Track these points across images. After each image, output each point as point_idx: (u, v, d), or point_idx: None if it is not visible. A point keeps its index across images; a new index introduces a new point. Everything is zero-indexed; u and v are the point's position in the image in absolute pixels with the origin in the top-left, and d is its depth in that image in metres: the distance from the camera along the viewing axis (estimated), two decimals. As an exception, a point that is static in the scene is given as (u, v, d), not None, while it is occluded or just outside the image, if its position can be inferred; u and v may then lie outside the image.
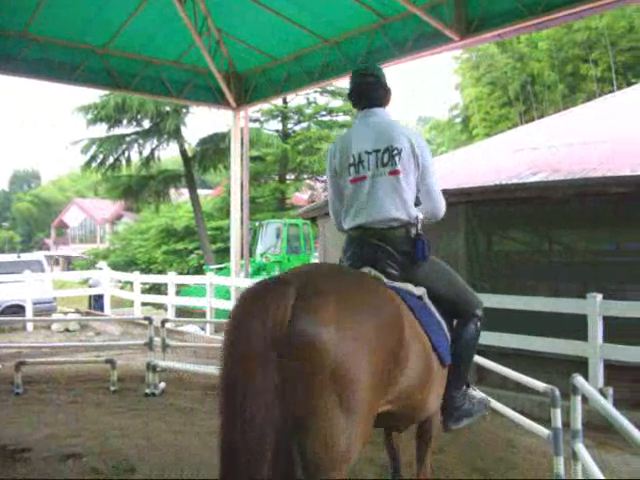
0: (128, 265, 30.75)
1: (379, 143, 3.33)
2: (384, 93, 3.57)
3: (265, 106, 27.78)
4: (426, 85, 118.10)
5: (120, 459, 5.50)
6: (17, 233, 67.88)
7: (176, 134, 26.36)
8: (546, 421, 4.92)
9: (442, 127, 36.37)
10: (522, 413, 6.03)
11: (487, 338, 8.00)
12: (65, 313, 17.55)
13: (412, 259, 3.32)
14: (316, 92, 28.37)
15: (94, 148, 26.93)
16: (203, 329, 13.98)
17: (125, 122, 26.37)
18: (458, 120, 33.95)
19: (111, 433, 6.30)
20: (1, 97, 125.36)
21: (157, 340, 9.69)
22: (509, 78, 28.43)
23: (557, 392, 4.69)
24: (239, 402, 2.33)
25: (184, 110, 25.91)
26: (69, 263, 47.86)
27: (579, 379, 4.34)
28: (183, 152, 27.23)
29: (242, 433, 2.31)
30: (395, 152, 3.30)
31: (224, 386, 2.42)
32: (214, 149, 26.09)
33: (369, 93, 3.52)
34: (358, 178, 3.35)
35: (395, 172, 3.31)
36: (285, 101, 28.58)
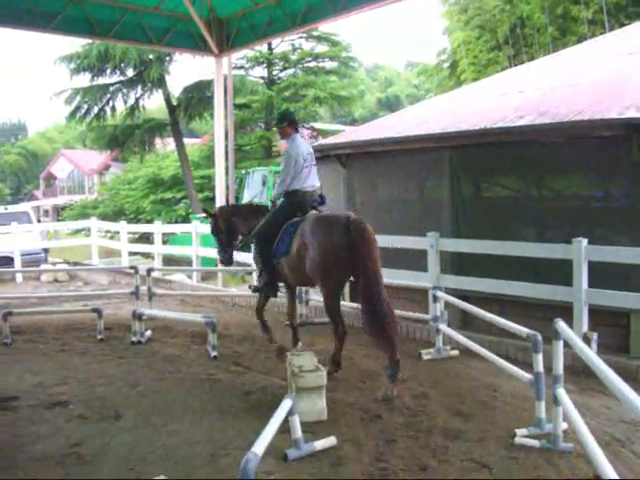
0: (117, 215, 30.53)
1: (308, 150, 6.93)
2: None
3: (250, 53, 27.29)
4: (414, 29, 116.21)
5: (106, 406, 5.56)
6: (6, 186, 67.33)
7: (160, 83, 25.91)
8: (530, 366, 4.96)
9: (430, 72, 35.67)
10: (506, 358, 6.08)
11: (473, 284, 8.04)
12: (54, 264, 17.53)
13: (320, 204, 6.87)
14: (301, 37, 27.80)
15: (78, 98, 26.44)
16: (190, 277, 13.99)
17: (108, 71, 25.83)
18: (446, 65, 33.28)
19: (97, 381, 6.35)
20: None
21: (144, 289, 9.70)
22: (498, 21, 27.74)
23: (539, 337, 4.71)
24: (375, 264, 5.87)
25: (167, 58, 25.43)
26: (58, 214, 47.61)
27: (561, 324, 4.35)
28: (168, 101, 26.82)
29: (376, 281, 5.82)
30: (314, 155, 7.01)
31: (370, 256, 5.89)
32: (199, 97, 25.66)
33: (297, 125, 7.08)
34: (306, 167, 6.80)
35: (315, 165, 6.97)
36: (270, 47, 28.05)
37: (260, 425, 4.36)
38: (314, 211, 6.65)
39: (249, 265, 11.62)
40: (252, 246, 7.46)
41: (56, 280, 15.28)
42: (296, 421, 4.28)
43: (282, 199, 6.91)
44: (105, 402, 5.67)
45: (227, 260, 7.84)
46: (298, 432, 4.31)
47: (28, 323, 9.17)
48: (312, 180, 6.84)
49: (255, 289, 7.42)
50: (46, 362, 7.24)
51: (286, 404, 4.03)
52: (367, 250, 5.87)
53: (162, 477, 3.28)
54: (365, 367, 6.69)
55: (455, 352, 7.07)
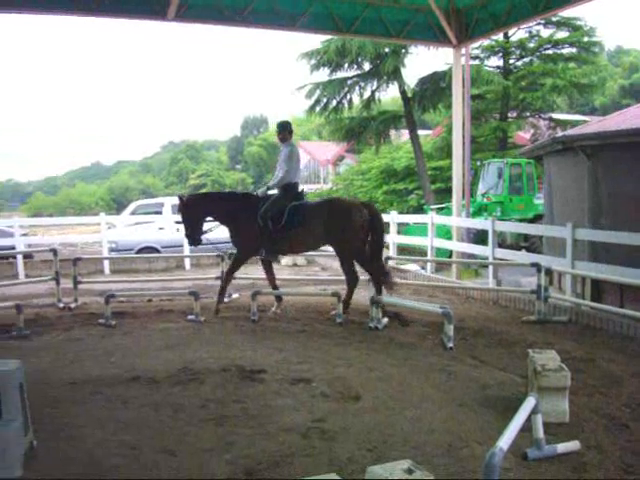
0: (350, 205, 31.49)
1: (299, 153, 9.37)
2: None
3: (485, 42, 26.63)
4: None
5: (346, 386, 5.82)
6: (249, 175, 72.92)
7: (395, 75, 26.18)
8: None
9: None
10: None
11: None
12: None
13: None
14: (539, 24, 26.50)
15: (318, 92, 27.61)
16: (424, 268, 14.07)
17: (346, 66, 26.64)
18: None
19: (337, 362, 6.66)
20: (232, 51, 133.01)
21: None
22: None
23: None
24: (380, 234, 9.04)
25: (403, 51, 25.66)
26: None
27: None
28: (403, 93, 27.07)
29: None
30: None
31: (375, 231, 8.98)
32: (433, 89, 25.56)
33: (292, 134, 9.25)
34: (299, 165, 9.12)
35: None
36: (506, 36, 27.11)
37: (498, 421, 4.34)
38: (314, 198, 9.68)
39: (484, 258, 11.48)
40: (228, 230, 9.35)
41: (295, 264, 16.26)
42: (539, 420, 4.17)
43: (279, 189, 9.05)
44: (345, 383, 5.93)
45: (197, 242, 9.33)
46: (540, 432, 4.20)
47: (271, 303, 9.84)
48: (300, 176, 9.32)
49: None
50: (289, 340, 7.73)
51: (530, 402, 3.95)
52: (381, 224, 8.97)
53: (333, 475, 3.34)
54: (609, 371, 6.30)
55: None
